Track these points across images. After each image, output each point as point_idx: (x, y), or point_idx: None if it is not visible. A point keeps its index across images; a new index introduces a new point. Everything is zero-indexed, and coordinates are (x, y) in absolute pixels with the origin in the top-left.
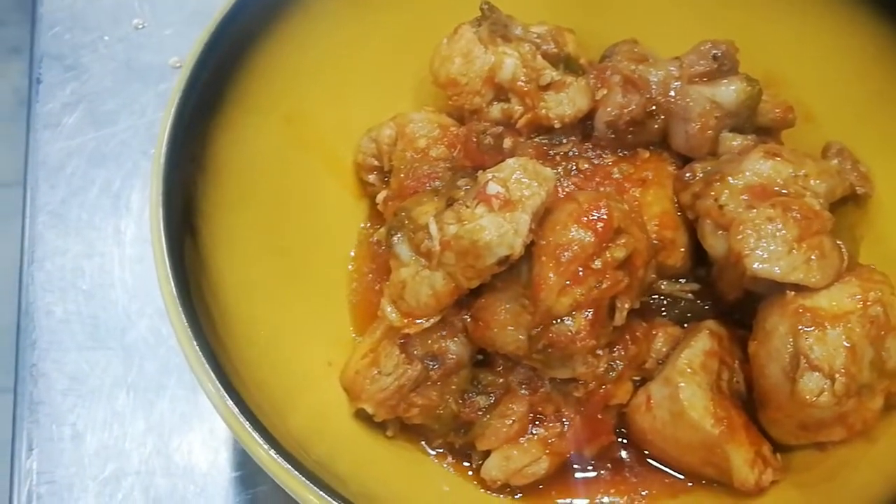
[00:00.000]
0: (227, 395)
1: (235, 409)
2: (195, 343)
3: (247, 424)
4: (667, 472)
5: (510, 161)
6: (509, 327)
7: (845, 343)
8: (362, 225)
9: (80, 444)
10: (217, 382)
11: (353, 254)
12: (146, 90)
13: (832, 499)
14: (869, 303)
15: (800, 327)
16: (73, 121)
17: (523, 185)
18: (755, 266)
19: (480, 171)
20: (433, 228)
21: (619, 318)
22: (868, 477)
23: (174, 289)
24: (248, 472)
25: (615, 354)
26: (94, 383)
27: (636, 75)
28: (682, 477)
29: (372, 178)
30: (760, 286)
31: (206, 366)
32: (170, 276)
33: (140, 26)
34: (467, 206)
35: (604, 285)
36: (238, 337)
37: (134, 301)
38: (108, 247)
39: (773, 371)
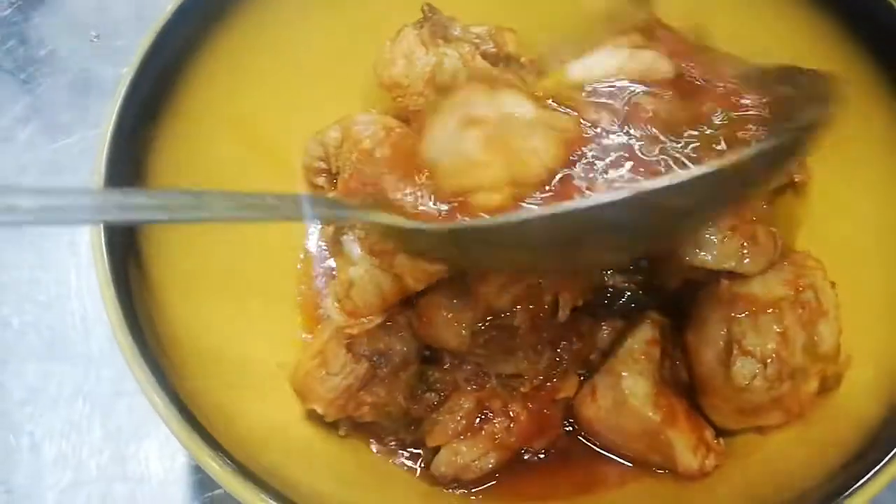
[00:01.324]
0: (171, 404)
1: (180, 418)
2: (138, 352)
3: (193, 434)
4: (617, 461)
5: None
6: (453, 323)
7: (776, 328)
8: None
9: (38, 454)
10: (161, 391)
11: (302, 256)
12: (101, 102)
13: (773, 481)
14: (801, 288)
15: (733, 314)
16: (27, 135)
17: None
18: (689, 255)
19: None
20: None
21: (562, 314)
22: (807, 459)
23: (116, 299)
24: (205, 476)
25: (559, 350)
26: (51, 393)
27: None
28: (631, 465)
29: (320, 180)
30: (697, 275)
31: (150, 375)
32: (112, 286)
33: (95, 38)
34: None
35: (544, 283)
36: (183, 344)
37: (91, 311)
38: (64, 257)
39: (707, 358)
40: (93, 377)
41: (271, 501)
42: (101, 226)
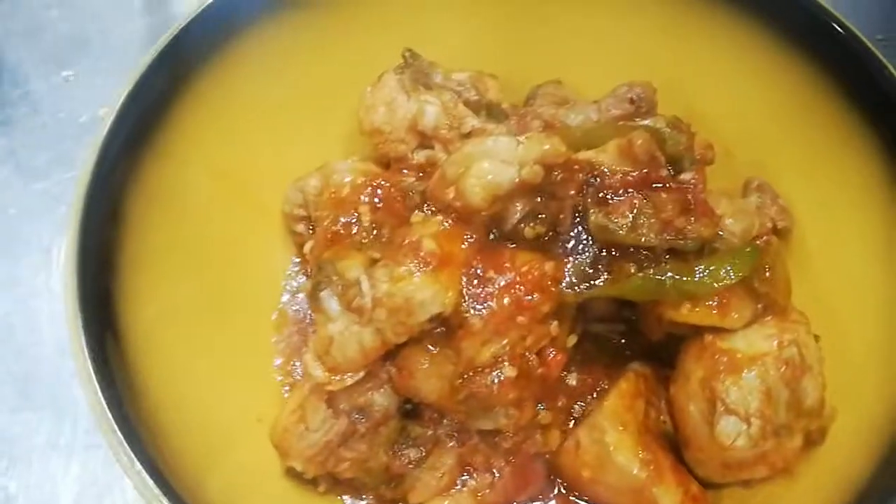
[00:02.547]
0: (137, 462)
1: (147, 478)
2: (108, 411)
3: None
4: None
5: (437, 217)
6: (432, 377)
7: (760, 386)
8: (288, 272)
9: None
10: (127, 449)
11: (277, 308)
12: (77, 143)
13: None
14: (784, 344)
15: (716, 370)
16: (2, 176)
17: (454, 241)
18: (671, 310)
19: (402, 225)
20: (365, 286)
21: (560, 372)
22: None
23: (87, 354)
24: None
25: (543, 405)
26: (25, 444)
27: (556, 121)
28: None
29: (300, 227)
30: (680, 329)
31: (118, 433)
32: (83, 343)
33: (70, 78)
34: (399, 264)
35: (528, 340)
36: (156, 400)
37: (65, 358)
38: (38, 303)
39: (692, 414)
40: (68, 428)
41: None
42: (76, 293)
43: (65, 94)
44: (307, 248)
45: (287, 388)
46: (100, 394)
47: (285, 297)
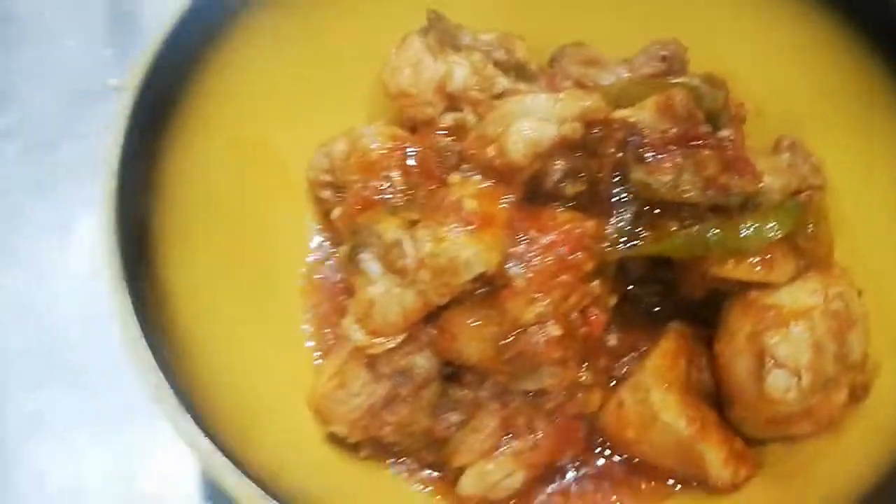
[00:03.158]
0: (195, 427)
1: (204, 440)
2: (159, 374)
3: (216, 454)
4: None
5: (475, 177)
6: (476, 338)
7: (809, 339)
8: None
9: (41, 485)
10: (185, 414)
11: (303, 271)
12: (86, 113)
13: (803, 492)
14: (830, 298)
15: (763, 325)
16: (13, 150)
17: (494, 201)
18: (715, 266)
19: (440, 185)
20: (408, 246)
21: (601, 332)
22: (836, 468)
23: (133, 321)
24: (219, 502)
25: (584, 365)
26: (51, 421)
27: (587, 80)
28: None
29: (326, 194)
30: (722, 285)
31: (174, 398)
32: (128, 309)
33: (74, 47)
34: (441, 224)
35: (571, 299)
36: (201, 366)
37: (89, 334)
38: (57, 280)
39: (739, 370)
40: (95, 404)
41: None
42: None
43: (70, 64)
44: (335, 213)
45: (318, 355)
46: (155, 367)
47: (309, 265)
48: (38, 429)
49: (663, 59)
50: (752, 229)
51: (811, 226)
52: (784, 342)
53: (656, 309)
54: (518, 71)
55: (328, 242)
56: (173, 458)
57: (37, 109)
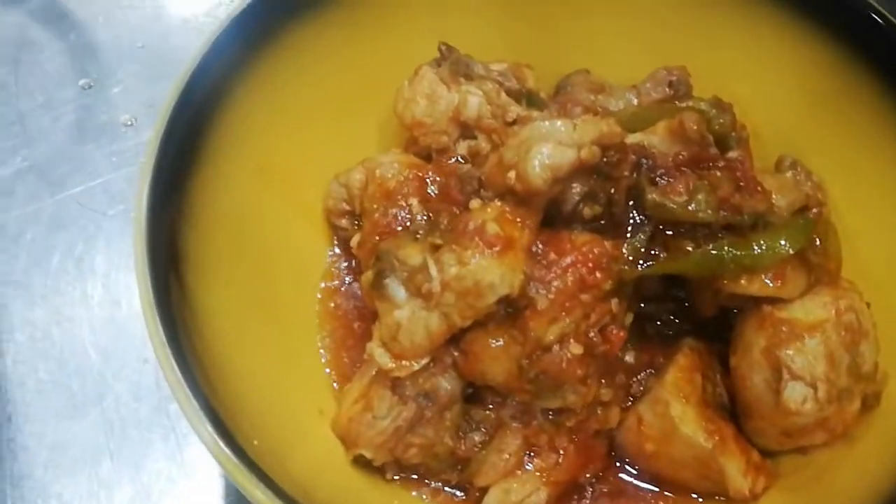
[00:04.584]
0: (227, 447)
1: (235, 458)
2: (192, 397)
3: (248, 472)
4: (666, 494)
5: (496, 202)
6: (499, 359)
7: (824, 351)
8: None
9: None
10: (219, 437)
11: (319, 296)
12: (98, 151)
13: (820, 500)
14: (842, 310)
15: (778, 339)
16: (27, 187)
17: (515, 225)
18: (728, 282)
19: (462, 210)
20: (433, 270)
21: (621, 349)
22: (851, 477)
23: (166, 343)
24: None
25: (604, 382)
26: (75, 452)
27: (596, 106)
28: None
29: (343, 222)
30: (734, 301)
31: (208, 423)
32: (161, 331)
33: (87, 86)
34: (465, 248)
35: (591, 318)
36: (232, 389)
37: (108, 364)
38: (77, 311)
39: (755, 383)
40: (117, 433)
41: None
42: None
43: (82, 103)
44: (354, 241)
45: (336, 382)
46: (188, 389)
47: (323, 292)
48: (62, 460)
49: (670, 84)
50: (764, 246)
51: (820, 241)
52: (799, 355)
53: (671, 327)
54: (529, 99)
55: (342, 269)
56: (196, 487)
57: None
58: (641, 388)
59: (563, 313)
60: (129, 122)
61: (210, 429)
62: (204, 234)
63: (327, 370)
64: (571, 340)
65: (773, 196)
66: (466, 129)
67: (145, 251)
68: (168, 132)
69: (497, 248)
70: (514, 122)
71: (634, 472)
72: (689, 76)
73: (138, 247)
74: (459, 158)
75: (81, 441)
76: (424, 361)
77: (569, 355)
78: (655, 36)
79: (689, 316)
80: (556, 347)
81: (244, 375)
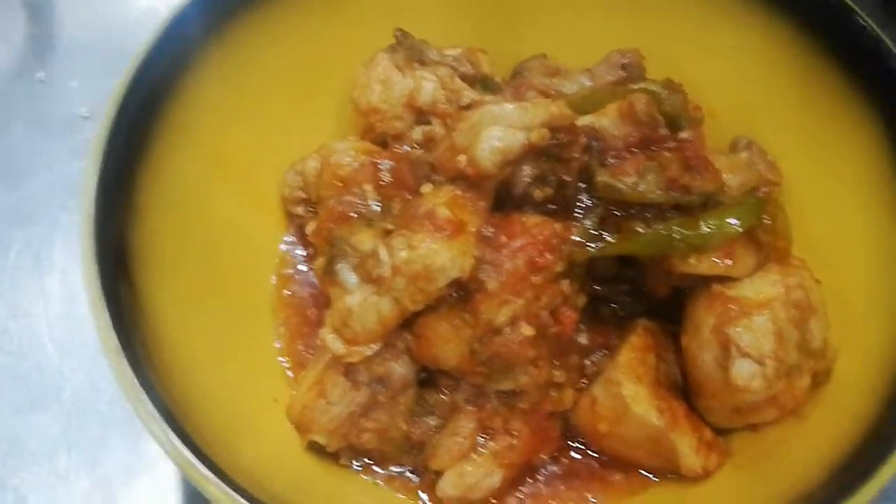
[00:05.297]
0: (176, 438)
1: (186, 451)
2: (141, 390)
3: (198, 464)
4: (622, 473)
5: (448, 186)
6: (451, 342)
7: (772, 328)
8: (276, 260)
9: None
10: (168, 429)
11: (273, 284)
12: (56, 144)
13: (770, 477)
14: (791, 287)
15: (727, 317)
16: None
17: (465, 208)
18: (678, 262)
19: (414, 195)
20: (383, 255)
21: (574, 331)
22: (801, 452)
23: (115, 338)
24: None
25: (556, 364)
26: (33, 446)
27: (550, 90)
28: (636, 474)
29: (299, 210)
30: (685, 281)
31: (157, 413)
32: (109, 326)
33: (45, 79)
34: (416, 232)
35: (542, 300)
36: (180, 382)
37: (66, 358)
38: (34, 306)
39: (705, 361)
40: (74, 426)
41: None
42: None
43: (39, 96)
44: (310, 228)
45: (291, 370)
46: (137, 382)
47: (278, 280)
48: (20, 454)
49: (623, 67)
50: (713, 226)
51: (769, 220)
52: (747, 332)
53: (624, 308)
54: (484, 83)
55: (298, 258)
56: (154, 480)
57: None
58: (595, 370)
59: (514, 295)
60: (88, 115)
61: (163, 426)
62: (154, 227)
63: (282, 359)
64: (522, 322)
65: (726, 176)
66: (421, 115)
67: (93, 247)
68: (114, 126)
69: (447, 232)
70: (468, 107)
71: (589, 453)
72: (643, 59)
73: (85, 244)
74: (415, 144)
75: (39, 435)
76: (377, 347)
77: (520, 337)
78: (613, 21)
79: (643, 297)
80: (507, 329)
81: (197, 368)
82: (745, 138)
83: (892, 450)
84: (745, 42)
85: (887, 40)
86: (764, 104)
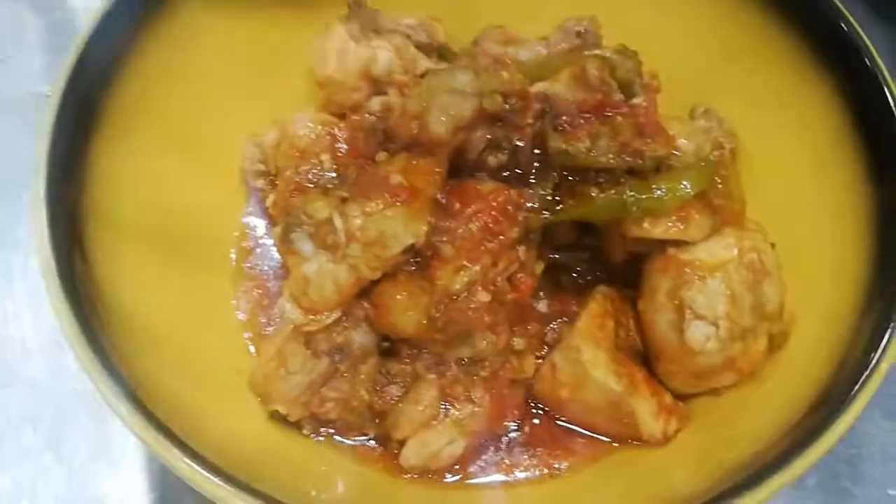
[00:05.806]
0: (137, 413)
1: (148, 426)
2: (100, 366)
3: (160, 437)
4: (586, 438)
5: (402, 153)
6: (409, 309)
7: (725, 291)
8: (236, 233)
9: None
10: (130, 403)
11: (233, 256)
12: (19, 122)
13: (730, 440)
14: (745, 251)
15: (681, 280)
16: None
17: (419, 175)
18: (632, 227)
19: (369, 163)
20: (338, 222)
21: (529, 297)
22: (760, 416)
23: (72, 315)
24: (164, 492)
25: (515, 331)
26: None
27: (506, 57)
28: (599, 440)
29: (260, 183)
30: (642, 246)
31: (118, 389)
32: (66, 303)
33: (6, 58)
34: (370, 199)
35: (498, 266)
36: (142, 356)
37: (32, 335)
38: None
39: (660, 325)
40: (40, 403)
41: (245, 495)
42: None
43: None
44: (269, 201)
45: (252, 343)
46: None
47: (238, 253)
48: None
49: (578, 34)
50: (665, 189)
51: (722, 183)
52: (701, 294)
53: (584, 275)
54: (440, 52)
55: (257, 231)
56: (119, 457)
57: None
58: (556, 337)
59: (470, 262)
60: (51, 94)
61: (125, 403)
62: (109, 204)
63: (245, 332)
64: (479, 288)
65: (681, 142)
66: (378, 85)
67: (46, 225)
68: (63, 102)
69: (401, 199)
70: (424, 76)
71: (554, 421)
72: (600, 27)
73: (38, 222)
74: (373, 115)
75: (3, 412)
76: (335, 315)
77: (476, 303)
78: None
79: (603, 264)
80: (463, 296)
81: (158, 342)
82: (703, 105)
83: (842, 411)
84: (702, 9)
85: (838, 2)
86: (719, 69)
